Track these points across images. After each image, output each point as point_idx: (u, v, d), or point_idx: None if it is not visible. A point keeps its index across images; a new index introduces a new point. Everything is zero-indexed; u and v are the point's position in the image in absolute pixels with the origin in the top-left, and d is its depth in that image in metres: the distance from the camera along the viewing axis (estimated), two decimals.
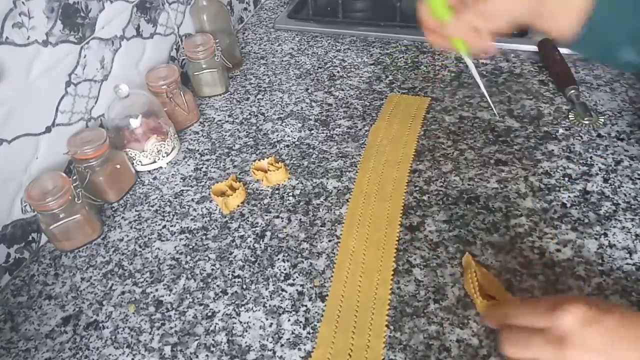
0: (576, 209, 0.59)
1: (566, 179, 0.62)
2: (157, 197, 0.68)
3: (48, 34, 0.61)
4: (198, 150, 0.75)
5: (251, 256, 0.59)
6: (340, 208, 0.63)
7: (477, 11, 0.50)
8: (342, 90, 0.83)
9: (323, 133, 0.75)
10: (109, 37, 0.70)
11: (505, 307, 0.45)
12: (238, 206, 0.65)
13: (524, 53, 0.85)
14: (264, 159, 0.70)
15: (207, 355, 0.50)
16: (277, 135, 0.76)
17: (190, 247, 0.61)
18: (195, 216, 0.65)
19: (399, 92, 0.81)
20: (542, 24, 0.49)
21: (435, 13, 0.53)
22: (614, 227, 0.56)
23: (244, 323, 0.52)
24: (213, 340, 0.51)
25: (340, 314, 0.51)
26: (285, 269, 0.57)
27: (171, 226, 0.64)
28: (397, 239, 0.58)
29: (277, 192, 0.66)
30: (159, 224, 0.64)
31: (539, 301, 0.41)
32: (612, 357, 0.36)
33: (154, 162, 0.72)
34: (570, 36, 0.47)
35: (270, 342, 0.50)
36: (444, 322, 0.50)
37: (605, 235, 0.56)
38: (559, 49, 0.81)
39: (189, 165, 0.73)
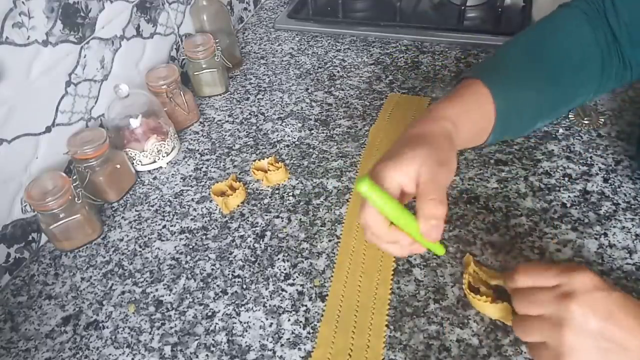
0: (576, 208, 0.59)
1: (566, 178, 0.62)
2: (157, 197, 0.68)
3: (48, 34, 0.61)
4: (198, 150, 0.75)
5: (251, 256, 0.59)
6: (340, 208, 0.63)
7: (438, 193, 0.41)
8: (342, 90, 0.83)
9: (323, 133, 0.75)
10: (109, 37, 0.70)
11: (518, 272, 0.43)
12: (238, 206, 0.65)
13: None
14: (264, 159, 0.70)
15: (207, 355, 0.50)
16: (277, 135, 0.76)
17: (190, 247, 0.61)
18: (195, 216, 0.65)
19: (399, 92, 0.81)
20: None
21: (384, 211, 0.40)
22: (614, 227, 0.56)
23: (244, 323, 0.52)
24: (213, 340, 0.51)
25: (340, 314, 0.51)
26: (285, 269, 0.57)
27: (171, 226, 0.64)
28: None
29: (277, 192, 0.66)
30: (159, 224, 0.64)
31: (551, 265, 0.41)
32: (611, 328, 0.36)
33: (154, 162, 0.72)
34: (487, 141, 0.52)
35: (270, 342, 0.50)
36: (444, 322, 0.50)
37: (605, 235, 0.56)
38: None
39: (189, 165, 0.73)
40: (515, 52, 0.54)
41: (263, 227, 0.62)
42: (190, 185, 0.69)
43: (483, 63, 0.55)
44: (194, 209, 0.66)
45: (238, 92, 0.86)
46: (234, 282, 0.56)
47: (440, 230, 0.40)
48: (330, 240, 0.59)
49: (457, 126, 0.46)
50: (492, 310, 0.49)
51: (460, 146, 0.47)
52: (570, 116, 0.71)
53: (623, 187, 0.60)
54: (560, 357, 0.37)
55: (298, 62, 0.91)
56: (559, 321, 0.37)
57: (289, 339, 0.50)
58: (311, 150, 0.72)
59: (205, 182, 0.69)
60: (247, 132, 0.77)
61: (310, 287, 0.55)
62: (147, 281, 0.58)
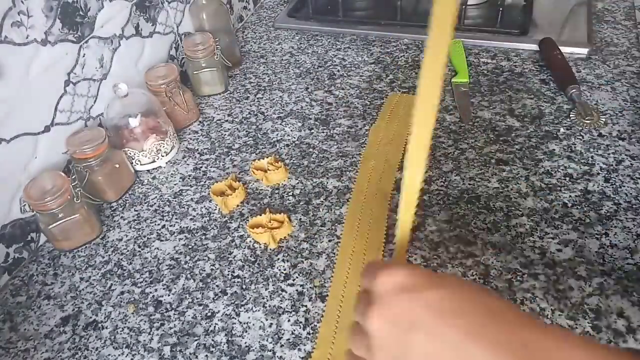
0: (577, 208, 0.59)
1: (567, 178, 0.62)
2: (156, 197, 0.68)
3: (47, 33, 0.60)
4: (197, 149, 0.75)
5: (251, 256, 0.58)
6: (340, 208, 0.63)
7: None
8: (343, 89, 0.82)
9: (323, 132, 0.74)
10: (108, 36, 0.70)
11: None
12: (237, 206, 0.65)
13: (525, 52, 0.85)
14: (263, 159, 0.70)
15: (206, 356, 0.49)
16: (277, 134, 0.75)
17: (190, 247, 0.61)
18: (194, 216, 0.64)
19: (400, 91, 0.80)
20: None
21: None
22: (615, 226, 0.56)
23: (244, 323, 0.52)
24: (212, 340, 0.51)
25: (340, 314, 0.51)
26: (285, 269, 0.56)
27: (170, 226, 0.63)
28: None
29: (276, 191, 0.66)
30: (158, 224, 0.64)
31: (372, 264, 0.36)
32: (416, 339, 0.30)
33: (153, 161, 0.71)
34: None
35: (270, 343, 0.50)
36: None
37: (607, 235, 0.55)
38: (560, 48, 0.81)
39: (188, 164, 0.72)
40: None
41: None
42: (190, 185, 0.69)
43: None
44: (194, 209, 0.65)
45: (238, 91, 0.86)
46: (234, 282, 0.56)
47: None
48: (330, 240, 0.59)
49: None
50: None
51: None
52: (571, 116, 0.71)
53: (624, 187, 0.60)
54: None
55: (298, 61, 0.91)
56: (367, 338, 0.33)
57: (288, 339, 0.50)
58: (311, 149, 0.72)
59: (205, 182, 0.69)
60: (246, 131, 0.77)
61: (310, 287, 0.54)
62: (146, 281, 0.57)
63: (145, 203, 0.67)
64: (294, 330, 0.51)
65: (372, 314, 0.32)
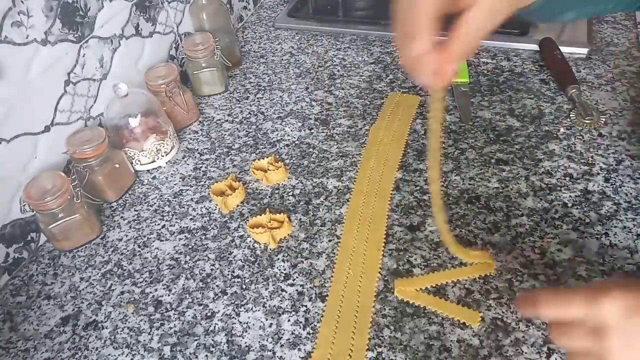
0: (577, 208, 0.59)
1: (567, 178, 0.62)
2: (156, 197, 0.68)
3: (47, 33, 0.60)
4: (197, 149, 0.75)
5: (251, 256, 0.58)
6: (341, 208, 0.63)
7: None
8: (343, 89, 0.82)
9: (323, 132, 0.74)
10: (108, 35, 0.70)
11: (539, 296, 0.38)
12: (237, 206, 0.65)
13: (524, 52, 0.85)
14: (263, 159, 0.70)
15: (206, 356, 0.49)
16: (277, 134, 0.75)
17: (190, 247, 0.61)
18: (194, 216, 0.64)
19: (400, 91, 0.80)
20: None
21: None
22: (615, 226, 0.56)
23: (244, 323, 0.52)
24: (212, 340, 0.51)
25: (340, 314, 0.51)
26: (285, 269, 0.56)
27: (170, 226, 0.63)
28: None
29: (276, 191, 0.66)
30: (158, 224, 0.64)
31: (574, 292, 0.35)
32: None
33: (153, 161, 0.71)
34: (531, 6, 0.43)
35: (270, 343, 0.50)
36: (444, 323, 0.49)
37: (607, 235, 0.55)
38: (560, 48, 0.81)
39: (188, 164, 0.72)
40: None
41: None
42: (190, 185, 0.69)
43: None
44: (193, 209, 0.65)
45: (237, 91, 0.86)
46: (234, 282, 0.56)
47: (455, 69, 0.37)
48: (330, 241, 0.59)
49: None
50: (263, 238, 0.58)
51: None
52: (571, 116, 0.71)
53: (624, 186, 0.60)
54: None
55: (298, 61, 0.91)
56: (601, 356, 0.32)
57: (288, 339, 0.50)
58: (311, 149, 0.72)
59: (205, 182, 0.69)
60: (246, 131, 0.77)
61: (310, 287, 0.54)
62: (146, 281, 0.57)
63: (145, 203, 0.67)
64: (294, 330, 0.51)
65: (612, 349, 0.31)
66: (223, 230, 0.62)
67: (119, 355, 0.51)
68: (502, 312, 0.49)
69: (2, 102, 0.56)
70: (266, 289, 0.55)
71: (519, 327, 0.48)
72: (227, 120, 0.80)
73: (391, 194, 0.63)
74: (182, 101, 0.76)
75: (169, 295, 0.55)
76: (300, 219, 0.62)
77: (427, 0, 0.35)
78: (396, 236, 0.58)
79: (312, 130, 0.75)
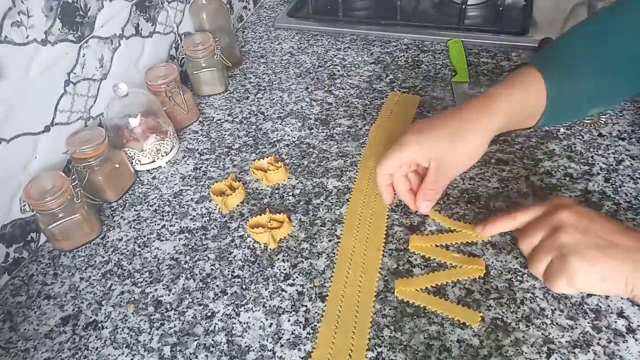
0: None
1: (567, 178, 0.62)
2: (156, 197, 0.68)
3: (47, 33, 0.60)
4: (197, 149, 0.75)
5: (251, 256, 0.58)
6: (341, 208, 0.63)
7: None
8: (343, 89, 0.82)
9: (323, 132, 0.74)
10: (108, 35, 0.70)
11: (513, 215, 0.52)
12: (237, 206, 0.65)
13: (524, 51, 0.85)
14: (263, 159, 0.70)
15: (206, 356, 0.49)
16: (277, 134, 0.75)
17: (190, 247, 0.61)
18: (194, 216, 0.64)
19: (400, 91, 0.80)
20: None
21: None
22: None
23: (244, 323, 0.52)
24: (212, 340, 0.51)
25: (340, 314, 0.51)
26: (285, 269, 0.56)
27: (170, 226, 0.63)
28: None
29: (276, 191, 0.66)
30: (158, 224, 0.64)
31: (538, 204, 0.50)
32: (598, 227, 0.45)
33: (153, 161, 0.71)
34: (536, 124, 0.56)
35: (270, 343, 0.50)
36: (444, 322, 0.49)
37: None
38: None
39: (188, 164, 0.72)
40: (573, 40, 0.54)
41: None
42: (190, 185, 0.69)
43: (540, 51, 0.57)
44: (193, 209, 0.65)
45: (237, 91, 0.86)
46: (234, 282, 0.56)
47: (430, 206, 0.56)
48: (330, 240, 0.59)
49: (504, 111, 0.52)
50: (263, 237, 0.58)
51: (504, 129, 0.54)
52: None
53: (624, 186, 0.60)
54: (566, 257, 0.44)
55: (298, 61, 0.91)
56: (556, 230, 0.46)
57: (288, 339, 0.50)
58: (311, 149, 0.72)
59: (205, 182, 0.69)
60: (246, 131, 0.77)
61: (310, 287, 0.54)
62: (146, 281, 0.57)
63: (145, 203, 0.67)
64: (294, 330, 0.51)
65: (565, 214, 0.46)
66: (223, 230, 0.62)
67: (119, 355, 0.51)
68: (502, 312, 0.50)
69: (2, 102, 0.56)
70: (266, 289, 0.55)
71: (519, 327, 0.48)
72: (227, 120, 0.80)
73: None
74: (182, 101, 0.76)
75: (169, 295, 0.55)
76: (300, 219, 0.62)
77: (382, 172, 0.56)
78: (396, 236, 0.58)
79: (312, 130, 0.75)
